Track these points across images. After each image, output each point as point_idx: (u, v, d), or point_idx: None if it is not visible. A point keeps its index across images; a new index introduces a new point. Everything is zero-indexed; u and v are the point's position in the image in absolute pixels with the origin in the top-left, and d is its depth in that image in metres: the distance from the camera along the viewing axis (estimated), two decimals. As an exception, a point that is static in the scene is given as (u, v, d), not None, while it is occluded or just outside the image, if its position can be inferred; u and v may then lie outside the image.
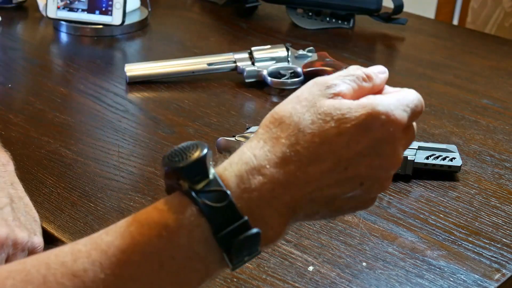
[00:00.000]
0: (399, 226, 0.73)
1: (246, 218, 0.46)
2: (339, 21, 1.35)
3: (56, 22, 1.29)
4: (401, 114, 0.51)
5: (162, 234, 0.45)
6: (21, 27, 1.35)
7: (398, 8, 1.34)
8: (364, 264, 0.66)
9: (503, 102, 1.06)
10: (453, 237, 0.71)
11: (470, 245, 0.70)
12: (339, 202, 0.52)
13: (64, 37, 1.28)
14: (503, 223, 0.74)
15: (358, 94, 0.53)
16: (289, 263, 0.66)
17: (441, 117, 0.99)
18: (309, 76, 1.05)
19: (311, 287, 0.63)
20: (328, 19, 1.35)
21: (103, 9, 1.26)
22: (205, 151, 0.47)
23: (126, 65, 1.07)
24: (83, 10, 1.26)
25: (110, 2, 1.25)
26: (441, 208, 0.76)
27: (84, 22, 1.26)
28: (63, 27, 1.28)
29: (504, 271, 0.67)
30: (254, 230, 0.46)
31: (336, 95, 0.51)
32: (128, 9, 1.28)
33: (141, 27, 1.32)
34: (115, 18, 1.26)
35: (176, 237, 0.45)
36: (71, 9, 1.26)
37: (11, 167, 0.73)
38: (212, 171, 0.47)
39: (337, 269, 0.66)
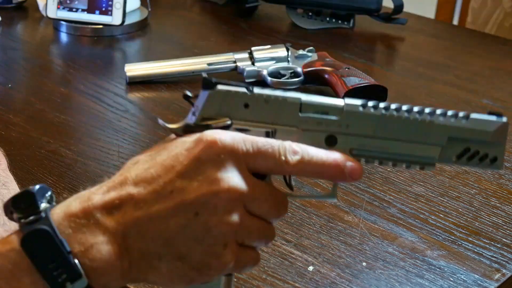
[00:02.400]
0: (399, 226, 0.73)
1: (45, 228, 0.47)
2: (339, 21, 1.35)
3: (56, 22, 1.29)
4: (228, 139, 0.50)
5: None
6: (21, 27, 1.35)
7: (398, 8, 1.34)
8: (364, 264, 0.66)
9: (503, 102, 1.06)
10: (453, 237, 0.71)
11: (470, 245, 0.70)
12: (181, 244, 0.49)
13: (64, 37, 1.28)
14: (503, 223, 0.74)
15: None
16: (289, 263, 0.66)
17: (441, 117, 0.99)
18: (309, 76, 1.05)
19: (311, 287, 0.63)
20: (328, 19, 1.35)
21: (103, 9, 1.26)
22: (36, 187, 0.49)
23: (126, 65, 1.07)
24: (83, 10, 1.26)
25: (110, 2, 1.25)
26: (441, 208, 0.76)
27: (84, 22, 1.26)
28: (63, 27, 1.28)
29: (504, 271, 0.67)
30: (63, 242, 0.47)
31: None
32: (128, 9, 1.28)
33: (141, 27, 1.32)
34: (115, 18, 1.26)
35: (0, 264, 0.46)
36: (71, 9, 1.26)
37: (4, 165, 0.72)
38: (43, 205, 0.49)
39: (337, 269, 0.66)
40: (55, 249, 0.47)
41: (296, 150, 0.52)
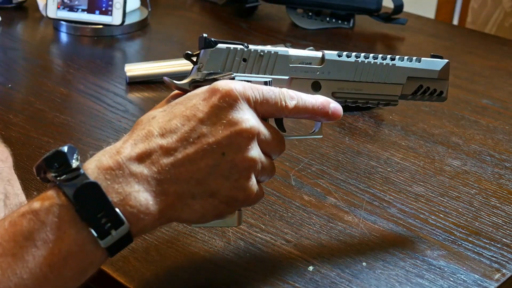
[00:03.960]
0: (399, 226, 0.73)
1: (95, 181, 0.51)
2: (339, 21, 1.35)
3: (56, 22, 1.29)
4: (240, 87, 0.57)
5: (32, 219, 0.50)
6: (21, 27, 1.35)
7: (398, 8, 1.34)
8: (364, 264, 0.66)
9: (503, 102, 1.06)
10: (453, 237, 0.71)
11: (470, 245, 0.70)
12: (212, 182, 0.55)
13: (64, 37, 1.28)
14: (503, 223, 0.74)
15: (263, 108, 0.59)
16: (289, 263, 0.66)
17: (441, 117, 0.99)
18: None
19: (311, 287, 0.63)
20: (328, 19, 1.35)
21: (103, 9, 1.26)
22: (66, 146, 0.53)
23: (126, 65, 1.07)
24: (83, 10, 1.26)
25: (110, 2, 1.25)
26: (441, 208, 0.76)
27: (84, 22, 1.26)
28: (63, 27, 1.28)
29: (504, 271, 0.67)
30: (103, 202, 0.51)
31: None
32: (128, 9, 1.28)
33: (141, 27, 1.32)
34: (115, 18, 1.26)
35: (43, 218, 0.50)
36: (71, 9, 1.26)
37: (9, 163, 0.73)
38: (75, 163, 0.52)
39: (337, 269, 0.66)
40: (102, 201, 0.51)
41: (293, 96, 0.60)
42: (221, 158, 0.55)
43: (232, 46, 0.62)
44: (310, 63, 0.65)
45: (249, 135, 0.56)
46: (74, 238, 0.50)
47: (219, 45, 0.61)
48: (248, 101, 0.57)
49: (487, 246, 0.70)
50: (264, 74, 0.63)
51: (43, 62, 1.17)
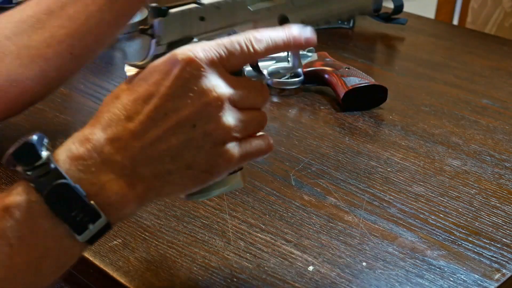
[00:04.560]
0: (399, 226, 0.73)
1: (66, 182, 0.49)
2: (339, 21, 1.35)
3: (56, 22, 1.28)
4: (200, 52, 0.54)
5: (4, 216, 0.48)
6: (21, 27, 1.35)
7: (398, 8, 1.34)
8: (364, 264, 0.66)
9: (503, 102, 1.06)
10: (453, 237, 0.71)
11: (470, 245, 0.70)
12: (186, 155, 0.53)
13: (64, 37, 1.28)
14: (503, 223, 0.74)
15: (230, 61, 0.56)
16: (289, 263, 0.66)
17: (441, 117, 0.99)
18: (309, 76, 1.05)
19: (311, 287, 0.63)
20: (328, 19, 1.35)
21: (103, 9, 1.25)
22: (34, 136, 0.51)
23: (126, 65, 1.07)
24: (83, 10, 1.26)
25: (110, 2, 1.25)
26: (441, 208, 0.76)
27: (84, 22, 1.26)
28: (63, 27, 1.27)
29: (504, 271, 0.67)
30: (78, 188, 0.49)
31: None
32: (128, 9, 1.28)
33: (141, 27, 1.31)
34: (115, 18, 1.25)
35: (17, 215, 0.48)
36: (71, 9, 1.26)
37: None
38: (44, 154, 0.50)
39: (337, 269, 0.66)
40: (75, 199, 0.49)
41: (260, 38, 0.57)
42: (192, 130, 0.53)
43: (185, 7, 0.58)
44: None
45: (218, 103, 0.54)
46: (50, 234, 0.49)
47: (171, 11, 0.57)
48: (212, 63, 0.54)
49: (487, 246, 0.70)
50: (226, 27, 0.59)
51: (43, 62, 1.17)
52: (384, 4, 1.35)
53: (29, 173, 0.50)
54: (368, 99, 1.00)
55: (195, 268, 0.65)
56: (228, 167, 0.56)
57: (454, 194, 0.79)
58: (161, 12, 0.57)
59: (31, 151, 0.50)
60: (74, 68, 0.80)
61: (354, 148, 0.89)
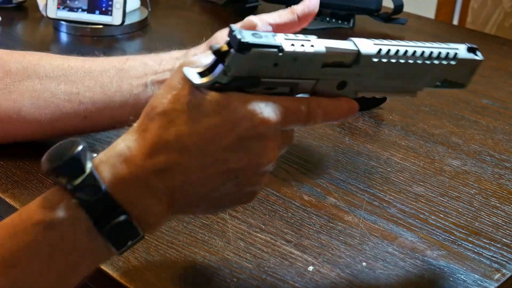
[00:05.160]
0: (399, 226, 0.73)
1: (117, 203, 0.51)
2: (339, 21, 1.35)
3: (56, 22, 1.29)
4: (272, 118, 0.54)
5: (46, 231, 0.50)
6: (21, 27, 1.35)
7: (398, 8, 1.34)
8: (364, 264, 0.66)
9: (503, 102, 1.06)
10: (453, 237, 0.71)
11: (470, 245, 0.70)
12: (216, 196, 0.56)
13: (64, 37, 1.28)
14: (503, 223, 0.74)
15: None
16: (289, 263, 0.66)
17: (441, 117, 0.99)
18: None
19: (311, 287, 0.63)
20: (328, 19, 1.35)
21: (103, 9, 1.26)
22: (80, 147, 0.51)
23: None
24: (83, 10, 1.26)
25: (110, 2, 1.25)
26: (441, 208, 0.76)
27: (84, 22, 1.26)
28: (63, 27, 1.28)
29: (504, 271, 0.67)
30: (122, 217, 0.51)
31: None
32: (128, 9, 1.28)
33: (141, 27, 1.32)
34: (115, 18, 1.26)
35: (59, 231, 0.50)
36: (71, 9, 1.26)
37: None
38: (88, 166, 0.51)
39: (337, 269, 0.66)
40: (123, 224, 0.51)
41: (319, 113, 0.58)
42: (231, 181, 0.55)
43: (266, 50, 0.54)
44: (342, 62, 0.59)
45: (266, 167, 0.56)
46: (89, 247, 0.52)
47: (253, 50, 0.53)
48: (274, 129, 0.55)
49: (487, 246, 0.70)
50: (292, 78, 0.57)
51: (43, 62, 1.17)
52: (384, 4, 1.35)
53: (72, 185, 0.50)
54: (368, 99, 1.00)
55: (195, 268, 0.65)
56: (230, 206, 0.65)
57: (454, 194, 0.79)
58: (244, 48, 0.52)
59: (76, 165, 0.51)
60: (82, 129, 0.80)
61: (354, 148, 0.89)
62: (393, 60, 0.60)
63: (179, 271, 0.64)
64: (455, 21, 2.41)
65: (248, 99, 0.53)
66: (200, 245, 0.68)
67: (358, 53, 0.59)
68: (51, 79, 0.77)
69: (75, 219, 0.50)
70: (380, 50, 0.60)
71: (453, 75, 0.64)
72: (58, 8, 1.26)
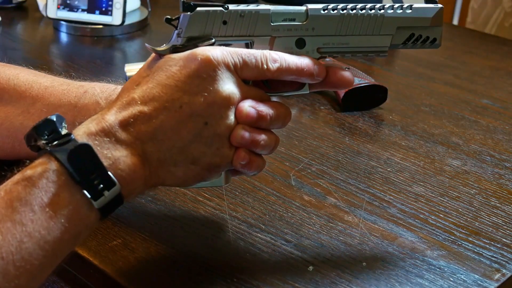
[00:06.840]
0: (399, 226, 0.73)
1: (87, 143, 0.53)
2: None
3: (56, 22, 1.29)
4: (219, 55, 0.58)
5: (27, 185, 0.51)
6: (21, 27, 1.35)
7: (398, 8, 1.34)
8: (364, 264, 0.66)
9: (503, 102, 1.06)
10: (453, 237, 0.71)
11: (470, 245, 0.70)
12: (194, 150, 0.57)
13: (64, 37, 1.28)
14: (503, 223, 0.74)
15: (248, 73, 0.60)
16: (289, 263, 0.66)
17: (441, 117, 0.99)
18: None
19: (311, 287, 0.63)
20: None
21: (103, 9, 1.26)
22: (53, 116, 0.54)
23: (126, 65, 1.07)
24: (83, 10, 1.26)
25: (110, 2, 1.25)
26: (441, 208, 0.76)
27: (84, 22, 1.27)
28: (63, 27, 1.28)
29: (504, 271, 0.67)
30: (95, 167, 0.53)
31: None
32: (128, 9, 1.28)
33: (141, 27, 1.32)
34: (115, 18, 1.26)
35: (38, 184, 0.51)
36: (71, 9, 1.26)
37: None
38: (64, 130, 0.54)
39: (337, 269, 0.66)
40: (94, 162, 0.53)
41: (276, 58, 0.60)
42: (204, 127, 0.57)
43: (211, 9, 0.61)
44: (294, 19, 0.63)
45: (229, 105, 0.58)
46: (68, 201, 0.52)
47: (198, 9, 0.61)
48: (227, 67, 0.58)
49: (487, 246, 0.70)
50: (245, 35, 0.62)
51: (43, 62, 1.17)
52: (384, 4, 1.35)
53: (50, 144, 0.53)
54: (368, 99, 1.00)
55: (195, 268, 0.65)
56: (226, 167, 0.60)
57: (454, 194, 0.79)
58: (189, 7, 0.61)
59: (51, 126, 0.54)
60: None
61: (354, 148, 0.89)
62: (342, 12, 0.63)
63: (179, 271, 0.64)
64: (455, 21, 2.41)
65: (202, 49, 0.58)
66: (200, 245, 0.68)
67: (306, 10, 0.63)
68: (14, 108, 0.74)
69: (52, 171, 0.52)
70: (327, 5, 0.64)
71: (418, 29, 0.66)
72: (58, 8, 1.26)
